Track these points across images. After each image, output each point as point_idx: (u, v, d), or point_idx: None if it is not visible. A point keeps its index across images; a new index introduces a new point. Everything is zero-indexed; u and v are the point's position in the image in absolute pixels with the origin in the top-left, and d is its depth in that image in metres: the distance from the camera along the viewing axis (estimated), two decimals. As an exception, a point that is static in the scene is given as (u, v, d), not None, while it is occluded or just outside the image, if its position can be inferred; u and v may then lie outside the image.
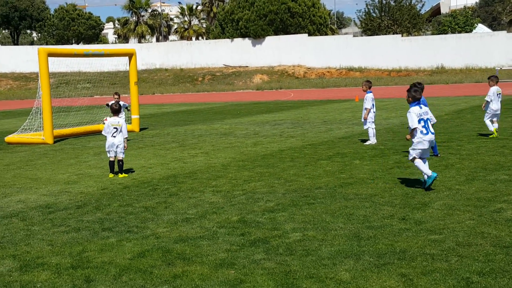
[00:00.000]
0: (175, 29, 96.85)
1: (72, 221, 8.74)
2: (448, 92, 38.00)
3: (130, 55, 23.12)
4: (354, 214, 8.39)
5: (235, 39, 69.17)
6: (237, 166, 13.10)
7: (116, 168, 12.48)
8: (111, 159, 12.51)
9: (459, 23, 68.81)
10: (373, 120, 15.71)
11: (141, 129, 22.71)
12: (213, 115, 28.77)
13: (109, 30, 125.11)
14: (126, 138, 12.58)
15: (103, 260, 6.83)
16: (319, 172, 11.85)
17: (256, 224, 8.11)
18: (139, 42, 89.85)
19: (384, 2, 70.55)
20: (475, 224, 7.59)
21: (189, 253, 6.97)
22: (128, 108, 21.20)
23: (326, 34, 71.04)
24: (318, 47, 65.16)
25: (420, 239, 7.08)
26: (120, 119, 12.59)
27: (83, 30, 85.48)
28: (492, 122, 15.79)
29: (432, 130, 9.81)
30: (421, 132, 9.67)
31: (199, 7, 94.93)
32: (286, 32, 68.23)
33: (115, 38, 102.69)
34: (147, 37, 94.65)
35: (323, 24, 70.72)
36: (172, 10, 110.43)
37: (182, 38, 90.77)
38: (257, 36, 67.75)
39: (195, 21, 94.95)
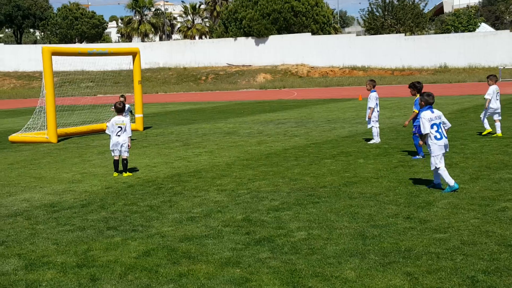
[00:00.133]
0: (178, 28, 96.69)
1: (77, 220, 8.75)
2: (451, 91, 37.97)
3: (134, 54, 23.14)
4: (358, 213, 8.39)
5: (239, 38, 69.21)
6: (241, 165, 13.11)
7: (120, 167, 12.50)
8: (116, 158, 12.54)
9: (462, 22, 68.86)
10: (377, 119, 15.70)
11: (145, 128, 22.74)
12: (217, 114, 28.79)
13: (112, 29, 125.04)
14: (130, 137, 12.61)
15: (108, 259, 6.85)
16: (324, 171, 11.85)
17: (261, 223, 8.12)
18: (142, 41, 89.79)
19: (387, 1, 70.61)
20: (479, 223, 7.59)
21: (194, 252, 6.98)
22: (132, 112, 20.94)
23: (330, 33, 71.09)
24: (321, 46, 65.16)
25: (425, 238, 7.08)
26: (124, 118, 12.61)
27: (86, 29, 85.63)
28: (494, 121, 15.87)
29: (446, 134, 9.55)
30: (435, 137, 9.42)
31: (203, 6, 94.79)
32: (289, 31, 68.26)
33: (118, 37, 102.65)
34: (150, 36, 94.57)
35: (326, 23, 70.76)
36: (176, 9, 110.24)
37: (185, 37, 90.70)
38: (260, 35, 67.77)
39: (198, 20, 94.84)
